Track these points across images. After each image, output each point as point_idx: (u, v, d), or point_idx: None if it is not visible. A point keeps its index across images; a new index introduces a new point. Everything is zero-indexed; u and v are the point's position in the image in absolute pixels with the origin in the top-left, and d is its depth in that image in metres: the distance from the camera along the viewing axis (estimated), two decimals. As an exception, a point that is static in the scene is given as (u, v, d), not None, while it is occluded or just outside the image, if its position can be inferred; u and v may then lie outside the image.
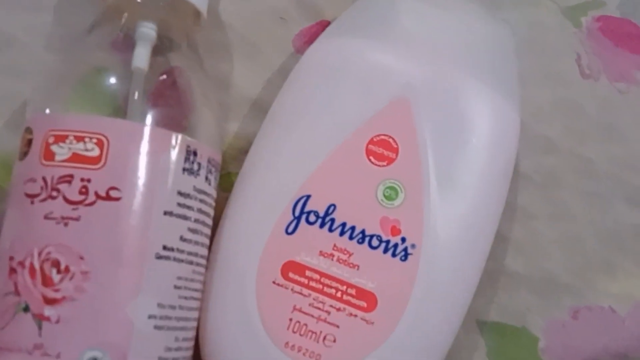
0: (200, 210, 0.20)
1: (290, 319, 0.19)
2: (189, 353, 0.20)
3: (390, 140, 0.20)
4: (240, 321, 0.20)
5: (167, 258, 0.18)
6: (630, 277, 0.23)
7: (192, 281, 0.19)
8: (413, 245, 0.20)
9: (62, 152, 0.18)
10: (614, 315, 0.23)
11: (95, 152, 0.18)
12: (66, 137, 0.18)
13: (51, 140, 0.18)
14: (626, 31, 0.25)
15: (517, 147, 0.22)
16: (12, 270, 0.18)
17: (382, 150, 0.20)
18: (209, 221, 0.20)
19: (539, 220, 0.24)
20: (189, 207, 0.19)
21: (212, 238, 0.21)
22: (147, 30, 0.20)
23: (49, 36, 0.24)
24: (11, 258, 0.18)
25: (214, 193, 0.21)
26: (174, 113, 0.20)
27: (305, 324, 0.19)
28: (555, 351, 0.23)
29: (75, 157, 0.18)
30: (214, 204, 0.21)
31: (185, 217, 0.19)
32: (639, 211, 0.24)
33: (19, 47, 0.23)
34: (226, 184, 0.23)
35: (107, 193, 0.18)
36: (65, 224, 0.17)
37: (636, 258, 0.23)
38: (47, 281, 0.17)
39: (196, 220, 0.19)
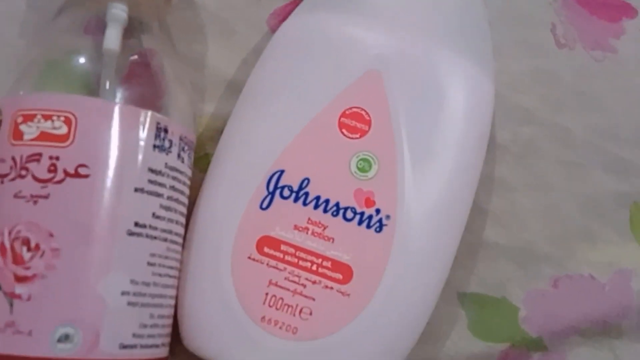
0: (173, 188, 0.20)
1: (267, 294, 0.19)
2: (166, 330, 0.20)
3: (363, 112, 0.20)
4: (217, 297, 0.19)
5: (139, 235, 0.18)
6: (610, 244, 0.23)
7: (167, 258, 0.19)
8: (388, 217, 0.20)
9: (30, 131, 0.18)
10: (594, 282, 0.23)
11: (63, 130, 0.18)
12: (34, 116, 0.18)
13: (20, 120, 0.18)
14: (600, 0, 0.25)
15: (492, 117, 0.22)
16: (-17, 250, 0.18)
17: (354, 122, 0.20)
18: (184, 199, 0.20)
19: (517, 191, 0.23)
20: (160, 184, 0.19)
21: (188, 217, 0.21)
22: (118, 12, 0.20)
23: (22, 23, 0.24)
24: (-18, 238, 0.18)
25: (188, 171, 0.21)
26: (146, 92, 0.20)
27: (282, 298, 0.19)
28: (535, 320, 0.23)
29: (44, 136, 0.18)
30: (188, 182, 0.21)
31: (157, 194, 0.19)
32: (617, 179, 0.23)
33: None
34: (204, 164, 0.23)
35: (76, 170, 0.18)
36: (35, 202, 0.17)
37: (615, 226, 0.23)
38: (17, 259, 0.17)
39: (169, 198, 0.19)
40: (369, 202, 0.20)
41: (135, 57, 0.21)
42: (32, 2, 0.24)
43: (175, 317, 0.20)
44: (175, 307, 0.20)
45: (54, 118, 0.18)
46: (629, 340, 0.23)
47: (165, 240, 0.19)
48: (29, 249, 0.17)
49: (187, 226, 0.21)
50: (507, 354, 0.23)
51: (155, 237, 0.19)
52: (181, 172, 0.20)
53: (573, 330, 0.23)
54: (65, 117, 0.18)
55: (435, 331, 0.22)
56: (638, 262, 0.23)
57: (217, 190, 0.21)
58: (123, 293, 0.18)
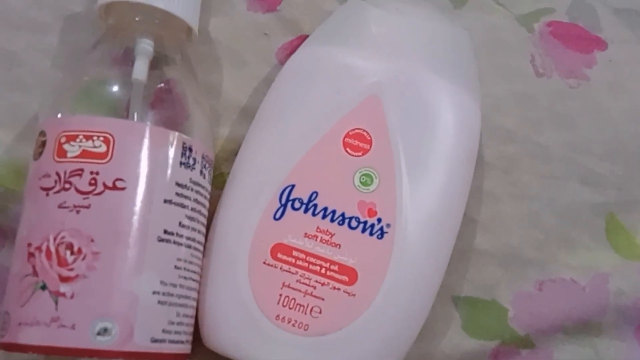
0: (196, 200, 0.22)
1: (280, 295, 0.21)
2: (190, 329, 0.22)
3: (364, 133, 0.23)
4: (235, 299, 0.22)
5: (167, 241, 0.21)
6: (588, 250, 0.25)
7: (191, 263, 0.22)
8: (388, 225, 0.22)
9: (73, 149, 0.20)
10: (575, 285, 0.25)
11: (103, 149, 0.20)
12: (76, 136, 0.20)
13: (63, 140, 0.20)
14: (574, 34, 0.28)
15: (479, 136, 0.24)
16: (30, 255, 0.20)
17: (357, 142, 0.23)
18: (205, 211, 0.23)
19: (503, 202, 0.26)
20: (186, 197, 0.21)
21: (208, 228, 0.23)
22: (145, 46, 0.23)
23: (54, 55, 0.26)
24: (29, 244, 0.20)
25: (208, 186, 0.23)
26: (171, 116, 0.23)
27: (294, 298, 0.21)
28: (523, 320, 0.25)
29: (85, 154, 0.20)
30: (208, 196, 0.23)
31: (183, 206, 0.21)
32: (592, 191, 0.26)
33: (26, 65, 0.26)
34: (219, 183, 0.25)
35: (114, 183, 0.20)
36: (77, 212, 0.20)
37: (593, 234, 0.26)
38: (62, 262, 0.19)
39: (193, 209, 0.22)
40: (371, 212, 0.22)
41: (161, 85, 0.23)
42: (63, 38, 0.26)
43: (194, 320, 0.23)
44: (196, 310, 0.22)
45: (94, 138, 0.20)
46: (607, 337, 0.25)
47: (189, 247, 0.21)
48: (72, 253, 0.19)
49: (206, 236, 0.23)
50: (498, 351, 0.25)
51: (181, 244, 0.21)
52: (203, 187, 0.22)
53: (557, 329, 0.25)
54: (105, 137, 0.20)
55: (432, 330, 0.24)
56: (614, 266, 0.25)
57: (235, 203, 0.23)
58: (154, 292, 0.20)
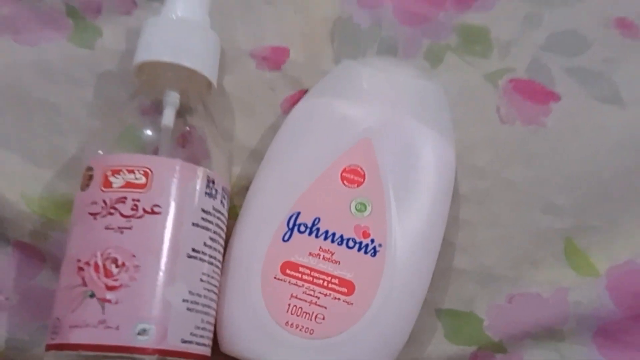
0: (217, 225, 0.26)
1: (289, 304, 0.25)
2: (211, 335, 0.25)
3: (359, 168, 0.27)
4: (249, 309, 0.25)
5: (194, 257, 0.24)
6: (550, 268, 0.29)
7: (212, 278, 0.25)
8: (380, 245, 0.26)
9: (117, 181, 0.24)
10: (540, 298, 0.29)
11: (143, 180, 0.24)
12: (120, 170, 0.24)
13: (109, 173, 0.24)
14: (532, 88, 0.32)
15: (454, 172, 0.28)
16: (80, 269, 0.23)
17: (353, 176, 0.27)
18: (223, 235, 0.26)
19: (477, 228, 0.29)
20: (209, 222, 0.25)
21: (224, 249, 0.27)
22: (172, 98, 0.27)
23: (89, 105, 0.30)
24: (78, 260, 0.23)
25: (226, 214, 0.27)
26: (195, 155, 0.27)
27: (301, 307, 0.25)
28: (496, 328, 0.28)
29: (128, 184, 0.24)
30: (226, 222, 0.27)
31: (207, 229, 0.25)
32: (552, 218, 0.29)
33: (65, 114, 0.30)
34: (232, 214, 0.29)
35: (152, 209, 0.24)
36: (121, 232, 0.23)
37: (554, 254, 0.29)
38: (108, 274, 0.23)
39: (214, 232, 0.25)
40: (366, 234, 0.26)
41: (187, 129, 0.27)
42: (97, 91, 0.30)
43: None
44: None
45: (136, 171, 0.24)
46: (570, 342, 0.29)
47: (211, 264, 0.25)
48: (116, 266, 0.23)
49: (224, 256, 0.27)
50: (476, 355, 0.29)
51: (204, 261, 0.25)
52: (222, 214, 0.26)
53: (526, 335, 0.29)
54: (144, 170, 0.24)
55: (419, 338, 0.28)
56: (572, 281, 0.29)
57: (249, 228, 0.27)
58: (184, 300, 0.23)
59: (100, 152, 0.26)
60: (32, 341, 0.28)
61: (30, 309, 0.28)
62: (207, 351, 0.25)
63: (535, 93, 0.32)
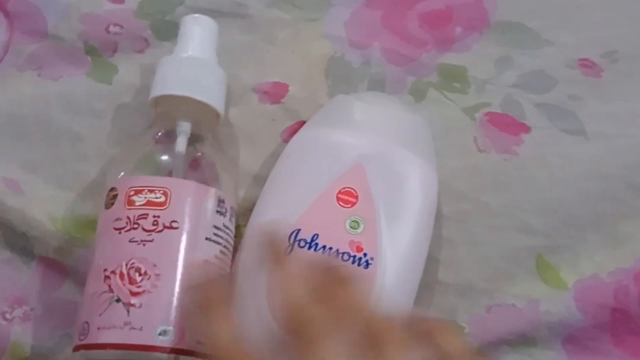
0: (226, 240, 0.29)
1: (292, 311, 0.28)
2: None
3: (352, 190, 0.30)
4: (256, 317, 0.28)
5: (208, 268, 0.27)
6: (524, 282, 0.32)
7: (223, 287, 0.28)
8: (372, 258, 0.29)
9: (139, 200, 0.27)
10: (515, 308, 0.32)
11: (162, 199, 0.27)
12: (142, 190, 0.27)
13: (132, 193, 0.27)
14: (505, 121, 0.35)
15: (437, 195, 0.32)
16: (106, 277, 0.26)
17: (347, 197, 0.30)
18: (231, 249, 0.29)
19: (459, 246, 0.33)
20: (220, 237, 0.28)
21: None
22: (184, 128, 0.30)
23: (108, 134, 0.33)
24: (105, 270, 0.26)
25: (234, 230, 0.30)
26: (205, 178, 0.30)
27: (302, 313, 0.28)
28: (477, 335, 0.31)
29: (149, 203, 0.27)
30: (234, 238, 0.30)
31: (218, 243, 0.28)
32: (526, 237, 0.33)
33: (86, 142, 0.33)
34: (237, 233, 0.32)
35: (170, 224, 0.27)
36: (144, 244, 0.26)
37: (527, 270, 0.32)
38: (132, 281, 0.26)
39: (224, 246, 0.28)
40: (359, 249, 0.29)
41: (198, 155, 0.30)
42: (115, 121, 0.34)
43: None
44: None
45: (156, 191, 0.27)
46: (541, 348, 0.31)
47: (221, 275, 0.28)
48: (140, 274, 0.26)
49: (230, 268, 0.30)
50: None
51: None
52: (231, 230, 0.29)
53: (503, 342, 0.31)
54: (164, 191, 0.27)
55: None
56: (543, 293, 0.32)
57: (254, 243, 0.29)
58: (198, 306, 0.26)
59: (121, 174, 0.29)
60: (55, 348, 0.31)
61: (53, 318, 0.31)
62: (218, 353, 0.27)
63: (508, 125, 0.35)
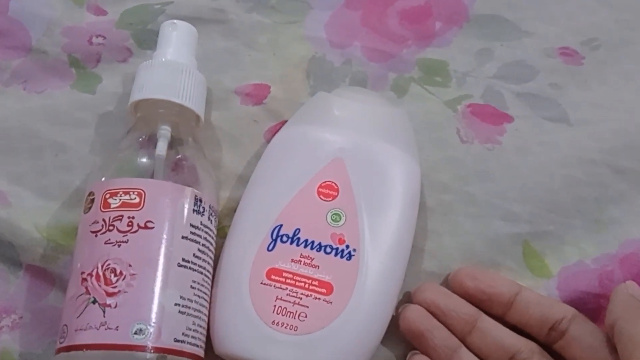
0: (205, 239, 0.27)
1: (275, 305, 0.26)
2: (203, 337, 0.26)
3: (333, 184, 0.29)
4: (240, 311, 0.26)
5: (185, 267, 0.26)
6: (510, 271, 0.31)
7: (202, 286, 0.27)
8: (354, 250, 0.28)
9: (114, 202, 0.26)
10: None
11: (137, 200, 0.26)
12: (117, 193, 0.26)
13: (107, 196, 0.26)
14: (487, 111, 0.34)
15: (419, 186, 0.30)
16: (84, 280, 0.25)
17: (328, 191, 0.29)
18: (212, 248, 0.28)
19: (443, 236, 0.31)
20: (198, 235, 0.27)
21: (215, 262, 0.28)
22: (165, 132, 0.29)
23: (92, 143, 0.32)
24: (82, 272, 0.25)
25: (214, 229, 0.28)
26: (185, 179, 0.28)
27: (285, 307, 0.26)
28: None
29: (124, 204, 0.26)
30: (215, 237, 0.28)
31: (196, 242, 0.27)
32: (510, 225, 0.31)
33: (70, 152, 0.32)
34: (222, 234, 0.30)
35: (145, 224, 0.26)
36: (119, 245, 0.25)
37: (513, 258, 0.31)
38: (107, 282, 0.24)
39: (203, 245, 0.27)
40: (341, 241, 0.28)
41: (178, 157, 0.29)
42: (98, 130, 0.32)
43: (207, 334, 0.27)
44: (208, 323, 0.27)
45: (131, 193, 0.26)
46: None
47: (201, 273, 0.27)
48: (115, 275, 0.24)
49: (214, 268, 0.28)
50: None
51: (194, 270, 0.26)
52: (210, 229, 0.28)
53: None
54: (138, 192, 0.26)
55: (396, 337, 0.29)
56: (527, 283, 0.30)
57: (237, 241, 0.28)
58: (176, 304, 0.25)
59: (102, 179, 0.28)
60: (44, 355, 0.29)
61: (41, 326, 0.30)
62: (199, 352, 0.26)
63: (490, 115, 0.34)
